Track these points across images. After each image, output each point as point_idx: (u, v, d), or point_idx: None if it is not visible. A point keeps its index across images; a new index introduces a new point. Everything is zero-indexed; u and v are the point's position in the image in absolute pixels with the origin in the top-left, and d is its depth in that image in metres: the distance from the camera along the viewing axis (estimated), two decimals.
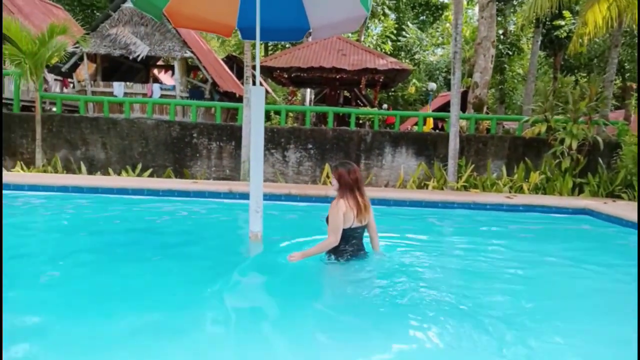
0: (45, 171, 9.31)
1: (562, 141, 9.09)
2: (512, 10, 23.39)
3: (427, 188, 9.41)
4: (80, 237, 4.96)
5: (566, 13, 18.83)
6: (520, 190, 9.22)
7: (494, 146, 10.13)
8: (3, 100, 11.60)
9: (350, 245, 3.77)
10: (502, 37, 24.64)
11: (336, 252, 3.76)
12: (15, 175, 8.11)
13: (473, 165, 9.83)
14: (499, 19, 23.81)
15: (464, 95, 15.81)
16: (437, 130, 16.29)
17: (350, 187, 3.68)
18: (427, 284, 3.65)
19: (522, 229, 6.45)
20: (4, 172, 9.15)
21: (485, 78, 12.09)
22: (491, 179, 9.50)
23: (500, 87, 25.83)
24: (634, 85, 11.83)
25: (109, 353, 2.39)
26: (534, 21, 18.64)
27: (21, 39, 9.23)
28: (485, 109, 12.48)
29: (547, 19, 19.07)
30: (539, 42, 19.42)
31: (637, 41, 17.83)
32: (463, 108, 13.92)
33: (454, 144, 9.21)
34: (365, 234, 3.92)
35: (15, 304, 2.86)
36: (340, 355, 2.53)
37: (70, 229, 5.32)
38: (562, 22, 19.78)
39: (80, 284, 3.46)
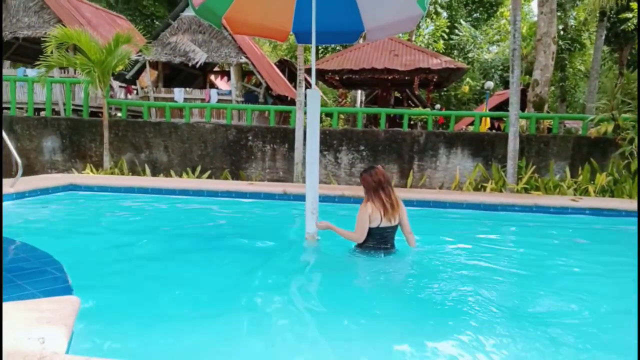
0: (112, 173, 9.88)
1: (631, 141, 8.54)
2: (572, 4, 22.27)
3: (484, 190, 9.13)
4: (147, 233, 5.24)
5: (634, 4, 17.67)
6: (585, 192, 8.74)
7: (556, 146, 9.68)
8: (73, 107, 12.43)
9: (377, 242, 4.01)
10: (562, 32, 23.50)
11: (361, 246, 4.05)
12: (85, 177, 8.66)
13: (534, 167, 9.42)
14: (559, 13, 22.73)
15: (523, 94, 15.21)
16: (494, 130, 15.76)
17: (374, 188, 3.95)
18: (475, 286, 3.57)
19: (590, 233, 6.12)
20: (76, 173, 9.81)
21: (546, 75, 11.57)
22: (554, 180, 9.07)
23: (560, 84, 24.64)
24: None
25: (171, 327, 2.64)
26: (598, 15, 17.64)
27: (90, 49, 9.85)
28: (546, 108, 11.95)
29: (613, 11, 17.97)
30: (603, 37, 18.35)
31: (637, 41, 16.52)
32: (522, 107, 13.40)
33: (513, 145, 8.87)
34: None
35: (92, 288, 3.16)
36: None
37: (137, 226, 5.64)
38: (629, 15, 18.57)
39: (149, 271, 3.79)
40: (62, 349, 1.98)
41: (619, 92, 9.39)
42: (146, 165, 10.41)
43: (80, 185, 7.66)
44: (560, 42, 22.88)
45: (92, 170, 10.01)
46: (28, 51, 15.61)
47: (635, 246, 5.57)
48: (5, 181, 7.44)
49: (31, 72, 13.19)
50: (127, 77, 15.09)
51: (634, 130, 8.54)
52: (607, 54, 26.37)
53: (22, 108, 12.91)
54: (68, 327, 2.17)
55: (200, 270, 3.94)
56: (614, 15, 19.17)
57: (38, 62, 10.32)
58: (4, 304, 2.55)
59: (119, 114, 13.40)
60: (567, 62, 24.29)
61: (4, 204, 6.24)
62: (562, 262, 4.64)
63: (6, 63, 16.20)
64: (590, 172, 9.13)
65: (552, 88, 26.18)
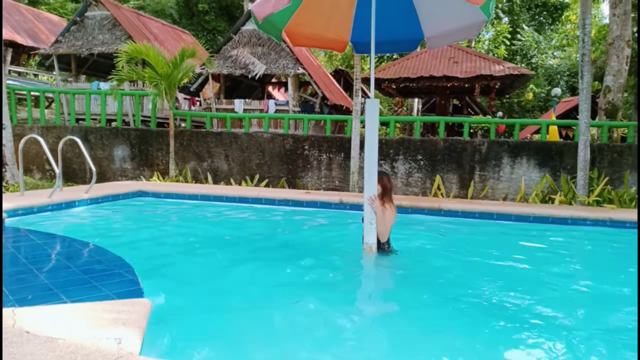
0: (177, 180, 10.34)
1: None
2: None
3: (552, 202, 8.66)
4: (210, 239, 5.43)
5: None
6: None
7: (631, 156, 9.02)
8: (142, 118, 13.16)
9: (388, 241, 4.54)
10: (636, 35, 21.93)
11: (380, 245, 4.46)
12: (153, 184, 9.12)
13: (607, 178, 8.82)
14: (633, 15, 21.26)
15: (593, 101, 14.34)
16: (562, 140, 14.96)
17: (390, 192, 4.47)
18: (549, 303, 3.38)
19: None
20: (144, 181, 10.35)
21: (619, 81, 10.86)
22: (629, 193, 8.44)
23: (635, 90, 22.95)
24: None
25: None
26: None
27: (158, 63, 10.41)
28: (619, 115, 11.19)
29: None
30: None
31: (637, 42, 14.88)
32: (592, 114, 12.63)
33: (583, 154, 8.36)
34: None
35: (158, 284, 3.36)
36: None
37: (201, 231, 5.85)
38: None
39: (213, 276, 3.96)
40: (137, 350, 2.08)
41: None
42: (208, 174, 10.80)
43: (148, 192, 8.08)
44: (635, 45, 21.36)
45: (158, 178, 10.52)
46: (101, 66, 16.74)
47: None
48: (80, 188, 7.99)
49: (104, 86, 14.14)
50: (192, 89, 15.78)
51: None
52: None
53: (95, 119, 13.85)
54: (141, 329, 2.28)
55: (262, 277, 4.01)
56: None
57: (110, 76, 11.06)
58: (83, 304, 2.72)
59: (184, 125, 14.03)
60: None
61: (80, 209, 6.70)
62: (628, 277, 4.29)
63: (82, 77, 17.45)
64: None
65: (626, 94, 24.48)
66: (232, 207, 7.49)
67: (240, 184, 10.51)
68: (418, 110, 25.51)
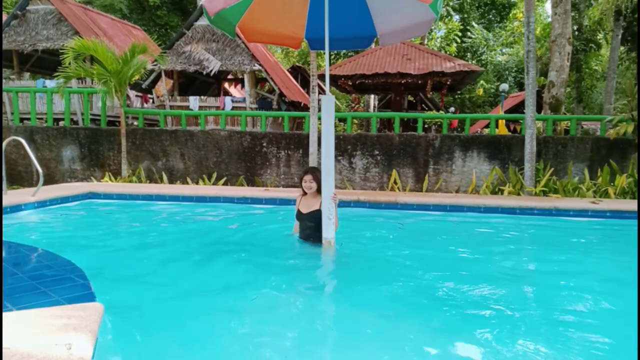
0: (130, 181, 10.03)
1: None
2: (587, 4, 21.99)
3: (502, 193, 9.04)
4: (165, 240, 5.30)
5: None
6: (605, 194, 8.60)
7: (574, 148, 9.55)
8: (91, 117, 12.65)
9: None
10: (577, 33, 23.20)
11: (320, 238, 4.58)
12: (104, 185, 8.80)
13: (552, 169, 9.30)
14: (573, 14, 22.46)
15: (539, 95, 15.04)
16: (510, 133, 15.60)
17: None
18: (496, 289, 3.57)
19: (611, 236, 6.02)
20: (95, 182, 9.97)
21: (562, 77, 11.44)
22: (573, 183, 8.94)
23: (577, 85, 24.31)
24: None
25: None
26: (614, 14, 17.39)
27: (107, 59, 10.03)
28: (562, 109, 11.80)
29: (629, 11, 17.71)
30: (619, 37, 18.07)
31: (637, 42, 16.17)
32: (538, 109, 13.25)
33: (530, 147, 8.77)
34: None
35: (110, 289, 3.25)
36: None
37: (155, 232, 5.70)
38: None
39: (167, 277, 3.84)
40: (88, 355, 2.01)
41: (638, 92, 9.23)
42: (163, 173, 10.54)
43: (100, 193, 7.79)
44: (576, 43, 22.57)
45: (110, 179, 10.17)
46: (47, 63, 15.95)
47: None
48: (26, 190, 7.61)
49: (50, 83, 13.49)
50: (144, 86, 15.30)
51: None
52: (624, 54, 25.93)
53: (41, 119, 13.19)
54: (93, 333, 2.21)
55: (219, 277, 3.97)
56: (630, 15, 18.88)
57: (56, 74, 10.55)
58: (31, 311, 2.61)
59: (136, 123, 13.60)
60: (582, 62, 23.96)
61: (27, 213, 6.38)
62: (581, 265, 4.58)
63: (26, 75, 16.58)
64: (610, 174, 8.99)
65: (569, 89, 25.86)
66: (189, 207, 7.35)
67: (197, 183, 10.32)
68: (374, 107, 25.89)
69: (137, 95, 16.33)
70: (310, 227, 4.65)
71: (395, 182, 9.99)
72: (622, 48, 21.86)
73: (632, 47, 21.91)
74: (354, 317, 3.09)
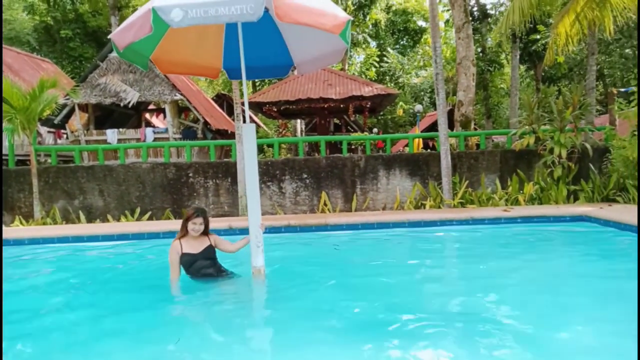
0: (44, 223, 9.33)
1: (551, 150, 9.26)
2: (488, 28, 24.13)
3: (424, 207, 9.50)
4: (80, 284, 4.97)
5: (540, 27, 19.44)
6: (516, 202, 9.32)
7: (485, 161, 10.29)
8: None
9: None
10: (481, 54, 25.30)
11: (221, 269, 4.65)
12: (14, 230, 8.12)
13: (467, 182, 9.95)
14: (477, 37, 24.52)
15: (451, 114, 16.11)
16: (429, 150, 16.51)
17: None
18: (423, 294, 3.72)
19: (522, 240, 6.52)
20: (4, 227, 9.15)
21: (469, 96, 12.36)
22: (486, 193, 9.61)
23: (485, 102, 26.37)
24: (615, 91, 12.16)
25: None
26: (511, 37, 19.23)
27: (12, 96, 9.39)
28: (472, 125, 12.71)
29: (523, 33, 19.69)
30: (518, 56, 19.97)
31: (637, 42, 18.25)
32: (451, 126, 14.17)
33: (446, 162, 9.35)
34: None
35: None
36: None
37: (69, 277, 5.28)
38: (538, 36, 20.39)
39: (85, 325, 3.55)
40: None
41: (536, 106, 10.21)
42: (80, 212, 9.92)
43: (9, 239, 7.17)
44: (481, 64, 24.60)
45: (21, 222, 9.41)
46: None
47: (555, 247, 6.01)
48: None
49: None
50: (56, 121, 14.46)
51: (553, 141, 9.26)
52: (524, 72, 28.62)
53: None
54: None
55: (142, 317, 3.79)
56: (525, 37, 20.98)
57: None
58: None
59: (49, 160, 12.75)
60: (489, 81, 26.07)
61: None
62: (495, 268, 4.91)
63: None
64: (519, 183, 9.77)
65: (478, 106, 27.97)
66: (109, 247, 6.94)
67: (119, 220, 9.82)
68: (302, 131, 26.31)
69: (49, 132, 15.37)
70: (207, 264, 4.50)
71: (325, 204, 10.15)
72: (521, 66, 24.17)
73: (530, 66, 24.27)
74: (291, 345, 3.09)
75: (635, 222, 6.21)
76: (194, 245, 4.45)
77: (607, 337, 2.98)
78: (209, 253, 4.50)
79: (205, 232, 4.49)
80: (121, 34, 4.01)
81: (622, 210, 7.35)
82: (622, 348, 2.74)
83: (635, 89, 9.53)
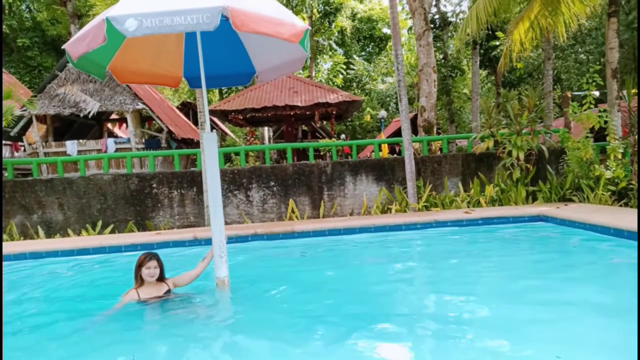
0: None
1: (509, 153, 9.57)
2: (449, 35, 24.81)
3: (390, 212, 9.63)
4: (36, 304, 4.78)
5: (499, 33, 20.13)
6: (478, 204, 9.58)
7: (448, 165, 10.54)
8: None
9: None
10: (443, 61, 25.95)
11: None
12: None
13: (431, 185, 10.16)
14: (438, 44, 25.16)
15: (415, 120, 16.44)
16: (395, 155, 16.76)
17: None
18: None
19: (483, 241, 6.70)
20: None
21: (431, 102, 12.66)
22: (449, 196, 9.84)
23: (448, 107, 27.01)
24: (569, 94, 12.70)
25: None
26: (471, 43, 19.83)
27: None
28: (435, 130, 13.00)
29: (483, 40, 20.35)
30: (478, 62, 20.58)
31: (637, 41, 19.00)
32: (415, 131, 14.45)
33: (410, 167, 9.53)
34: None
35: None
36: None
37: (25, 297, 5.09)
38: (497, 42, 21.11)
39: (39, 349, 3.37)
40: None
41: (494, 111, 10.54)
42: (39, 227, 9.58)
43: None
44: (443, 70, 25.23)
45: None
46: None
47: (513, 246, 6.22)
48: None
49: None
50: (12, 134, 13.93)
51: (510, 144, 9.58)
52: (484, 77, 29.50)
53: None
54: None
55: (107, 332, 3.69)
56: (485, 43, 21.69)
57: None
58: None
59: (6, 174, 12.25)
60: (451, 87, 26.74)
61: None
62: (456, 268, 5.04)
63: None
64: (480, 185, 10.05)
65: (442, 111, 28.64)
66: (68, 262, 6.71)
67: (80, 234, 9.52)
68: (269, 138, 26.23)
69: (5, 144, 14.78)
70: None
71: (293, 211, 10.15)
72: (482, 72, 24.90)
73: (491, 72, 25.08)
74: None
75: (586, 220, 6.51)
76: (152, 292, 4.20)
77: (560, 314, 3.17)
78: (168, 297, 4.29)
79: (161, 278, 4.29)
80: (75, 44, 3.93)
81: (577, 209, 7.67)
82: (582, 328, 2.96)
83: (587, 92, 10.00)
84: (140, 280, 4.18)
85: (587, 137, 9.38)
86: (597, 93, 10.53)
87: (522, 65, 22.92)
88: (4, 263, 6.77)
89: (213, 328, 3.77)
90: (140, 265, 4.16)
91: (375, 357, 2.92)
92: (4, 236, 9.17)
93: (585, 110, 9.76)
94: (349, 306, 3.95)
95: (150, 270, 4.15)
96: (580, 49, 25.20)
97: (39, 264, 6.69)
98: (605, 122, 9.55)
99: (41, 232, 9.46)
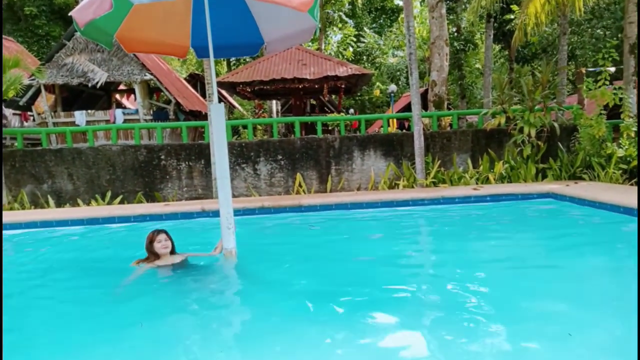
0: (12, 208, 9.08)
1: (521, 130, 9.43)
2: (463, 7, 24.15)
3: (397, 187, 9.60)
4: (48, 271, 4.86)
5: (514, 7, 19.56)
6: (486, 181, 9.50)
7: (457, 141, 10.42)
8: None
9: None
10: (455, 34, 25.35)
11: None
12: None
13: (439, 161, 10.08)
14: (452, 17, 24.54)
15: (425, 94, 16.20)
16: (404, 130, 16.61)
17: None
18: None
19: (491, 218, 6.68)
20: None
21: (442, 76, 12.42)
22: (458, 172, 9.76)
23: (460, 82, 26.55)
24: (584, 70, 12.41)
25: None
26: (485, 16, 19.32)
27: None
28: (446, 105, 12.81)
29: (497, 13, 19.79)
30: (492, 36, 20.09)
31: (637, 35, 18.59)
32: (425, 106, 14.26)
33: (419, 142, 9.44)
34: None
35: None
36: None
37: (38, 264, 5.19)
38: (512, 16, 20.53)
39: (57, 312, 3.49)
40: None
41: (506, 86, 10.34)
42: (49, 197, 9.69)
43: None
44: (455, 43, 24.67)
45: None
46: None
47: (522, 224, 6.19)
48: None
49: None
50: (21, 103, 13.95)
51: (522, 120, 9.43)
52: (497, 52, 28.86)
53: None
54: None
55: (113, 308, 3.76)
56: (500, 16, 21.11)
57: None
58: None
59: (15, 144, 12.34)
60: (463, 61, 26.19)
61: None
62: (463, 245, 5.04)
63: None
64: (489, 162, 9.95)
65: (453, 86, 28.17)
66: (78, 232, 6.81)
67: (89, 204, 9.63)
68: (277, 112, 26.08)
69: (14, 114, 14.83)
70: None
71: (300, 185, 10.16)
72: (495, 46, 24.33)
73: (504, 46, 24.49)
74: (262, 326, 3.12)
75: (595, 198, 6.45)
76: (168, 261, 4.32)
77: (568, 292, 3.15)
78: (184, 264, 4.39)
79: (173, 251, 4.40)
80: (81, 11, 3.88)
81: (587, 187, 7.58)
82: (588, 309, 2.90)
83: (603, 68, 9.74)
84: (154, 256, 4.28)
85: (601, 114, 9.20)
86: (612, 69, 10.26)
87: (536, 40, 22.32)
88: (16, 231, 6.88)
89: (221, 295, 3.83)
90: (151, 242, 4.27)
91: (377, 326, 2.95)
92: (15, 204, 9.29)
93: (599, 87, 9.54)
94: (357, 279, 3.98)
95: (162, 243, 4.26)
96: (597, 24, 24.43)
97: (50, 232, 6.79)
98: (620, 99, 9.34)
99: (51, 201, 9.57)
